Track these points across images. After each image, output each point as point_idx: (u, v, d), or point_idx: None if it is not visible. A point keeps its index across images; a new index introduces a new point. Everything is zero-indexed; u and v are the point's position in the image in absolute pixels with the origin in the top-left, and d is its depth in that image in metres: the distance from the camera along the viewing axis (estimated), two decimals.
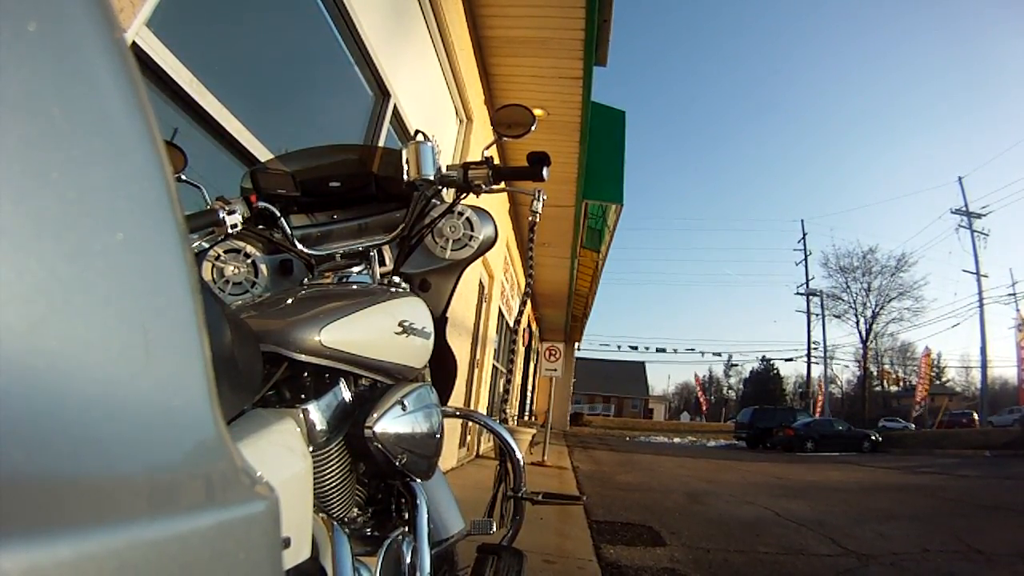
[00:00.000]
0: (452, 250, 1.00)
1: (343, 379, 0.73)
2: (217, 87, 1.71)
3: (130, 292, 0.22)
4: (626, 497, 5.50)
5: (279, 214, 0.94)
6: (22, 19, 0.19)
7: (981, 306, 25.56)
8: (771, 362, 52.14)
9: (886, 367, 36.06)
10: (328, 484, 0.70)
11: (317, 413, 0.68)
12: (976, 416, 24.75)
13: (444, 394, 1.00)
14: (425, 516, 0.82)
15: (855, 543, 3.66)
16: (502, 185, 1.00)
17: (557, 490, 4.91)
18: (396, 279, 0.96)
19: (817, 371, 34.71)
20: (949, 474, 9.73)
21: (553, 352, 8.60)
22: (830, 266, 35.07)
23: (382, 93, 3.10)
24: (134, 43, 1.37)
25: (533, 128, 1.01)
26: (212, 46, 1.80)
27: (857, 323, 33.57)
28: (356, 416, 0.70)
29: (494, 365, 8.40)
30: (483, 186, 0.98)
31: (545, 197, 1.02)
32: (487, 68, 4.80)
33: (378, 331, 0.75)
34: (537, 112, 1.05)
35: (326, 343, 0.64)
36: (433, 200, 1.00)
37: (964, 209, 27.64)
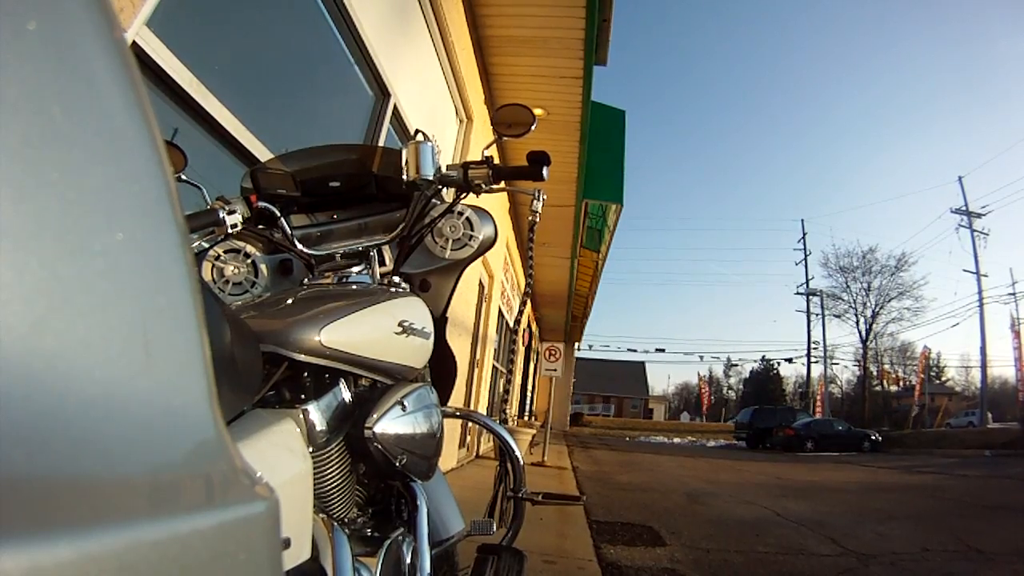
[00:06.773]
0: (452, 250, 1.00)
1: (343, 379, 0.72)
2: (217, 87, 1.71)
3: (130, 292, 0.22)
4: (626, 497, 5.49)
5: (279, 214, 0.94)
6: (22, 19, 0.19)
7: (981, 306, 25.59)
8: (771, 362, 52.07)
9: (886, 367, 35.96)
10: (328, 484, 0.70)
11: (317, 413, 0.68)
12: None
13: (444, 394, 0.99)
14: (425, 516, 0.82)
15: (855, 543, 3.66)
16: (502, 185, 1.00)
17: (557, 490, 4.91)
18: (396, 279, 0.96)
19: (817, 371, 34.68)
20: (948, 474, 9.73)
21: (553, 352, 8.60)
22: (830, 266, 34.89)
23: (382, 93, 3.10)
24: (134, 43, 1.37)
25: (533, 127, 1.01)
26: (212, 46, 1.80)
27: (857, 323, 33.47)
28: (356, 416, 0.70)
29: (494, 365, 8.39)
30: (483, 186, 0.98)
31: (545, 197, 1.02)
32: (487, 67, 4.79)
33: (378, 331, 0.75)
34: (537, 111, 1.05)
35: (326, 343, 0.64)
36: (433, 200, 1.00)
37: (964, 209, 27.62)
